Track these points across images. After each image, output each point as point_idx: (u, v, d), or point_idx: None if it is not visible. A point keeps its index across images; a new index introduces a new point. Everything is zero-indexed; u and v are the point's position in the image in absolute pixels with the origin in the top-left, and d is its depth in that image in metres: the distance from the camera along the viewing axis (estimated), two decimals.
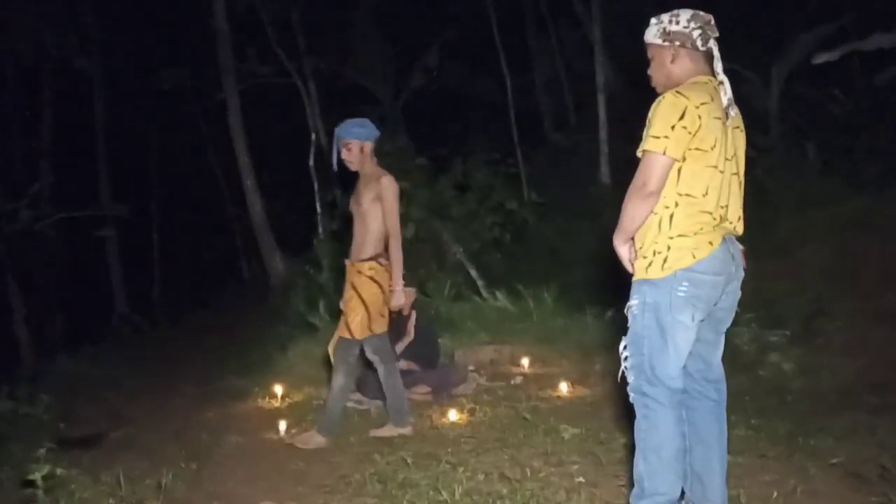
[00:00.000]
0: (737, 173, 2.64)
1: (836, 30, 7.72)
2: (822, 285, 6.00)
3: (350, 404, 5.46)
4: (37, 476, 3.52)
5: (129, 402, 6.77)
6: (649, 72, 2.74)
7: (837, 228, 6.35)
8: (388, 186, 4.45)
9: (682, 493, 2.73)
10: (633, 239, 2.64)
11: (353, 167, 4.53)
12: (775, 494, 3.17)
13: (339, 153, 4.51)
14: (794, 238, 6.49)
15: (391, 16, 13.40)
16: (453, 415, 4.81)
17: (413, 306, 5.92)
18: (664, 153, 2.47)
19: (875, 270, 5.86)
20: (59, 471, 3.67)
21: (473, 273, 8.68)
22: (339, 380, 4.48)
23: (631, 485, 2.71)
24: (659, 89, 2.66)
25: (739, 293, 2.70)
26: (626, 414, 3.65)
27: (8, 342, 11.44)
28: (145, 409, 6.44)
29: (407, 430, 4.55)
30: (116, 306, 16.06)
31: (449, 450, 4.12)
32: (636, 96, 10.90)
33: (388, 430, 4.57)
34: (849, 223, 6.31)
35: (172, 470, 3.96)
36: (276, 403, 5.68)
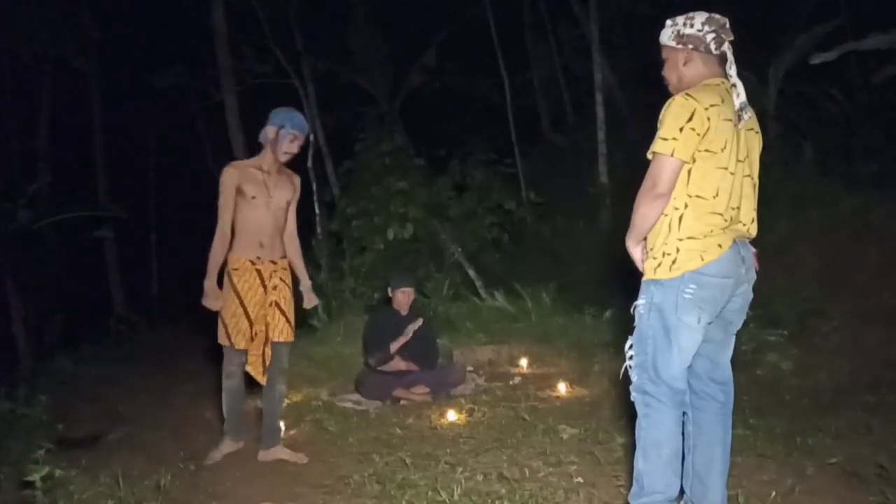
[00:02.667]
0: (750, 175, 2.64)
1: (834, 30, 7.75)
2: (819, 285, 6.02)
3: (348, 405, 5.47)
4: (35, 477, 3.51)
5: (127, 402, 6.75)
6: (663, 73, 2.76)
7: (834, 228, 6.37)
8: (299, 186, 4.32)
9: (681, 491, 2.74)
10: (645, 239, 2.65)
11: (288, 161, 4.20)
12: (773, 494, 3.18)
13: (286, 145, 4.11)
14: (791, 237, 6.50)
15: (389, 15, 13.39)
16: (452, 415, 4.82)
17: (412, 307, 5.93)
18: (672, 155, 2.48)
19: (871, 270, 5.88)
20: (57, 471, 3.66)
21: (472, 273, 8.69)
22: (284, 387, 4.37)
23: (629, 484, 2.73)
24: (672, 91, 2.67)
25: (751, 295, 2.70)
26: (625, 414, 3.66)
27: (6, 342, 11.40)
28: (144, 408, 6.43)
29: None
30: (114, 306, 16.03)
31: (448, 450, 4.12)
32: (634, 96, 10.96)
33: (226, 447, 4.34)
34: (845, 222, 6.33)
35: (171, 470, 3.95)
36: None
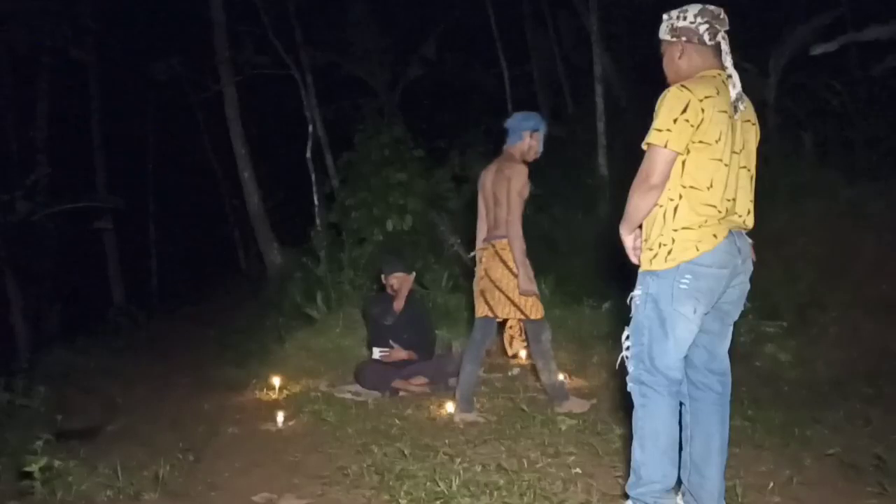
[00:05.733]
0: (746, 167, 2.64)
1: (834, 21, 7.72)
2: (817, 276, 6.02)
3: (347, 396, 5.48)
4: (34, 468, 3.52)
5: (126, 394, 6.77)
6: (663, 67, 2.76)
7: (832, 219, 6.36)
8: None
9: (679, 482, 2.75)
10: (640, 228, 2.66)
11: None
12: (771, 485, 3.19)
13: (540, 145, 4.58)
14: (790, 228, 6.49)
15: (388, 6, 13.34)
16: (451, 406, 4.82)
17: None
18: (665, 146, 2.49)
19: (869, 261, 5.87)
20: (56, 462, 3.67)
21: (471, 264, 8.68)
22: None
23: (627, 474, 2.73)
24: (670, 84, 2.67)
25: (748, 286, 2.70)
26: (623, 405, 3.66)
27: (5, 334, 11.43)
28: (142, 400, 6.45)
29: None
30: (113, 298, 16.03)
31: (446, 441, 4.13)
32: (634, 87, 10.93)
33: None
34: (844, 214, 6.32)
35: (170, 461, 3.95)
36: (274, 395, 5.69)
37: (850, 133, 7.42)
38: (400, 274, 5.91)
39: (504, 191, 4.42)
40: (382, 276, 5.98)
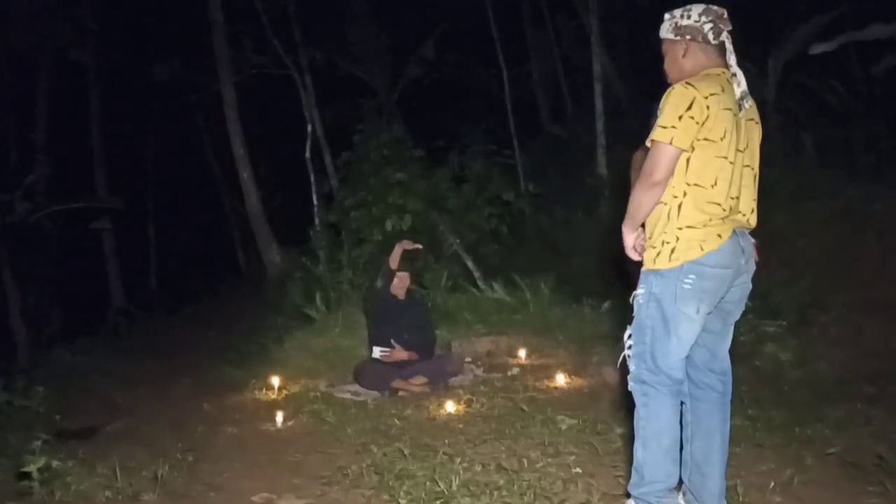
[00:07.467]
0: (750, 165, 2.62)
1: (834, 20, 7.71)
2: (818, 276, 6.02)
3: (347, 396, 5.47)
4: (32, 468, 3.51)
5: (125, 394, 6.75)
6: (664, 67, 2.75)
7: (833, 219, 6.36)
8: None
9: (680, 481, 2.74)
10: (643, 226, 2.64)
11: None
12: (772, 484, 3.18)
13: None
14: (791, 228, 6.49)
15: (388, 6, 13.34)
16: (450, 406, 4.82)
17: (409, 291, 6.05)
18: (671, 143, 2.48)
19: (870, 261, 5.87)
20: (55, 463, 3.65)
21: (470, 264, 8.68)
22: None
23: (628, 474, 2.72)
24: (672, 84, 2.65)
25: (750, 286, 2.69)
26: (624, 404, 3.65)
27: (4, 334, 11.40)
28: (142, 400, 6.43)
29: None
30: (113, 298, 16.02)
31: (446, 441, 4.12)
32: (633, 87, 10.93)
33: None
34: (845, 214, 6.32)
35: (169, 461, 3.94)
36: (273, 395, 5.68)
37: (850, 133, 7.42)
38: (403, 273, 5.95)
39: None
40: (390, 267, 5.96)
